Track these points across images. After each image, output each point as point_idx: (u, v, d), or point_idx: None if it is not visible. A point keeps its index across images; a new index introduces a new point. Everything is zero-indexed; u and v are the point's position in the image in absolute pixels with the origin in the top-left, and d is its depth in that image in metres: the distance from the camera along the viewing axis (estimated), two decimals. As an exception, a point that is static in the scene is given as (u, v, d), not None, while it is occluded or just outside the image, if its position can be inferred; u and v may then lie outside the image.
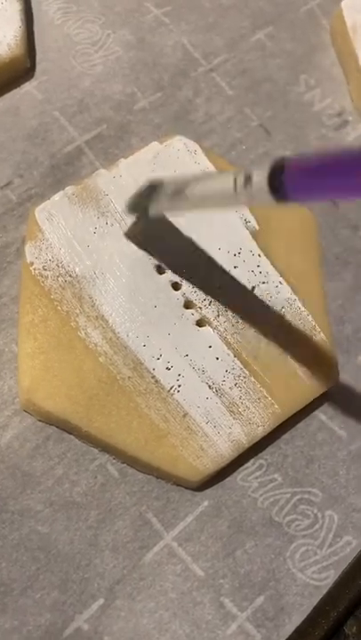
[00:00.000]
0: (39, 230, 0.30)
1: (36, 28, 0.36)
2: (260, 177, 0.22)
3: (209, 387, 0.29)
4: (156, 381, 0.29)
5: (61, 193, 0.31)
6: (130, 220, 0.30)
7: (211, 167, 0.33)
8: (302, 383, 0.30)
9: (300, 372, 0.30)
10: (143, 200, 0.29)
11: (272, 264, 0.32)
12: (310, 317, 0.31)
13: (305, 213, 0.34)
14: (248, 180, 0.22)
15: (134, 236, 0.30)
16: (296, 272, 0.32)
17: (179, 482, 0.29)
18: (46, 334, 0.29)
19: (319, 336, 0.31)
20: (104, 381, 0.28)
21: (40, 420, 0.29)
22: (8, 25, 0.34)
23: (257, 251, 0.32)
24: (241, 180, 0.23)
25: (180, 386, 0.29)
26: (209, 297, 0.31)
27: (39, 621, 0.26)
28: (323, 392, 0.31)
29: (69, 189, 0.31)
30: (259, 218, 0.32)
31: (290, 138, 0.36)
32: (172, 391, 0.29)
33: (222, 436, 0.29)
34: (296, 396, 0.30)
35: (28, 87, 0.35)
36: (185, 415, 0.29)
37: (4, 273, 0.31)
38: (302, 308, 0.31)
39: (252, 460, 0.30)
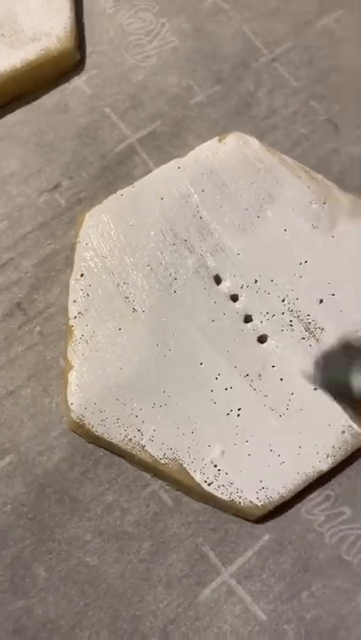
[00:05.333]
0: (89, 238, 0.28)
1: (86, 19, 0.34)
2: None
3: (273, 410, 0.27)
4: (215, 403, 0.26)
5: (112, 197, 0.29)
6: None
7: (274, 165, 0.30)
8: (376, 407, 0.27)
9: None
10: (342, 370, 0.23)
11: (342, 273, 0.29)
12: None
13: None
14: None
15: None
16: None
17: (238, 513, 0.26)
18: (96, 351, 0.27)
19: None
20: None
21: (89, 442, 0.27)
22: (57, 16, 0.32)
23: (325, 258, 0.29)
24: None
25: (240, 409, 0.26)
26: (271, 309, 0.28)
27: (88, 663, 0.24)
28: None
29: (121, 193, 0.29)
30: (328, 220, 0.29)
31: None
32: (231, 415, 0.26)
33: (287, 465, 0.26)
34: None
35: (77, 82, 0.33)
36: (245, 442, 0.26)
37: (52, 282, 0.29)
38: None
39: (318, 491, 0.27)
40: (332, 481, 0.27)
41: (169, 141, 0.32)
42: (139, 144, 0.32)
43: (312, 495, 0.27)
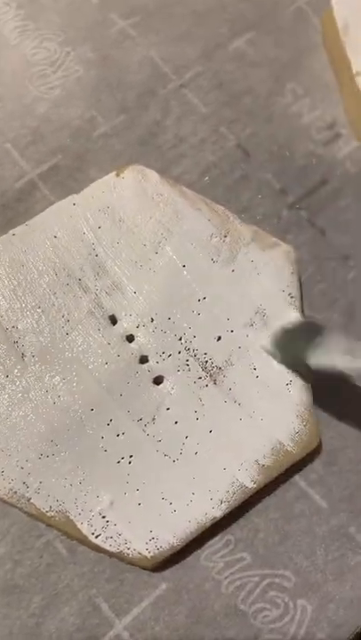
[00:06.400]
0: (-22, 281, 0.27)
1: (-11, 51, 0.33)
2: None
3: (166, 456, 0.26)
4: (105, 451, 0.26)
5: (4, 237, 0.28)
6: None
7: (173, 198, 0.29)
8: (280, 447, 0.26)
9: (278, 434, 0.26)
10: (297, 345, 0.26)
11: (242, 308, 0.28)
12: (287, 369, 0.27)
13: (283, 247, 0.29)
14: None
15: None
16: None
17: (133, 563, 0.26)
18: (-18, 400, 0.26)
19: (298, 391, 0.27)
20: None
21: (-18, 492, 0.26)
22: None
23: (224, 293, 0.28)
24: None
25: (131, 456, 0.26)
26: (167, 349, 0.27)
27: None
28: (303, 456, 0.27)
29: (13, 232, 0.28)
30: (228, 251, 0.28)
31: (272, 158, 0.32)
32: (122, 463, 0.26)
33: (178, 513, 0.25)
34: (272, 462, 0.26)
35: (-21, 118, 0.32)
36: (136, 490, 0.25)
37: None
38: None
39: (219, 536, 0.26)
40: (235, 524, 0.26)
41: (71, 176, 0.31)
42: (40, 179, 0.31)
43: (213, 540, 0.26)
